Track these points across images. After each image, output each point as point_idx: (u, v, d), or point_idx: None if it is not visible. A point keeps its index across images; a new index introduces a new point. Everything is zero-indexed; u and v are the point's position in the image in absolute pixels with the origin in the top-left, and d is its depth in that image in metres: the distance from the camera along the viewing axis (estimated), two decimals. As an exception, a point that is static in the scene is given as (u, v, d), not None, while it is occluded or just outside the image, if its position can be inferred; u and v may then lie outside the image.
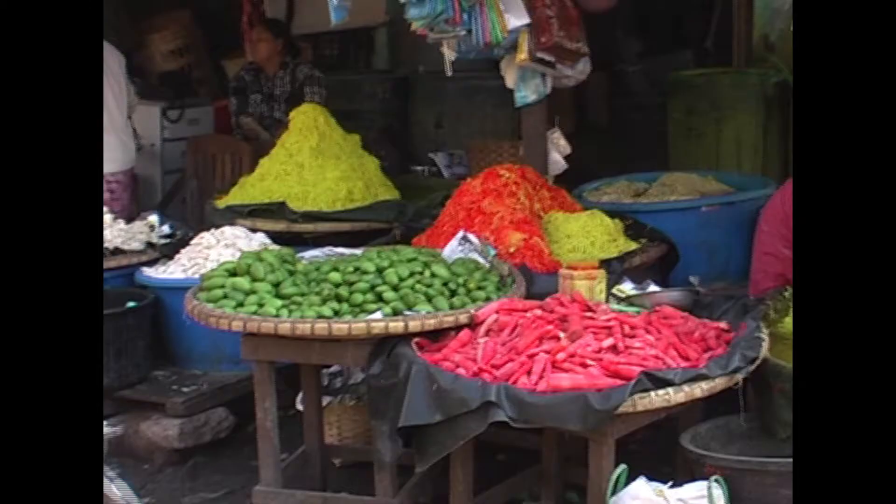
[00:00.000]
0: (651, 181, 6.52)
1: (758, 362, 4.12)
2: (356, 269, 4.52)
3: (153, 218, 6.55)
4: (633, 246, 5.46)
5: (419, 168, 8.27)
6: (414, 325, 4.25)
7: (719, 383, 3.99)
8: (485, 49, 5.74)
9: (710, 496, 3.80)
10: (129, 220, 6.62)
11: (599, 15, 6.69)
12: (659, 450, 4.88)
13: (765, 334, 4.31)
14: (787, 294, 4.86)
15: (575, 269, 4.64)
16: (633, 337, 4.16)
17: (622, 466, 3.87)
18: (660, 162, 7.45)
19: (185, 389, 5.73)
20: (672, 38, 9.74)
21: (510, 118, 6.99)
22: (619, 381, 3.85)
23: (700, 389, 3.93)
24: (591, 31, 6.26)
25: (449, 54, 5.74)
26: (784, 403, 4.16)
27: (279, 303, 4.40)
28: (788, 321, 4.76)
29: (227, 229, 6.03)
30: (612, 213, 5.69)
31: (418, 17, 5.48)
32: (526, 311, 4.34)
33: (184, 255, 5.97)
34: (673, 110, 7.64)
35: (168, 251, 6.18)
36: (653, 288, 4.99)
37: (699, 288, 5.38)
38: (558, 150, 6.19)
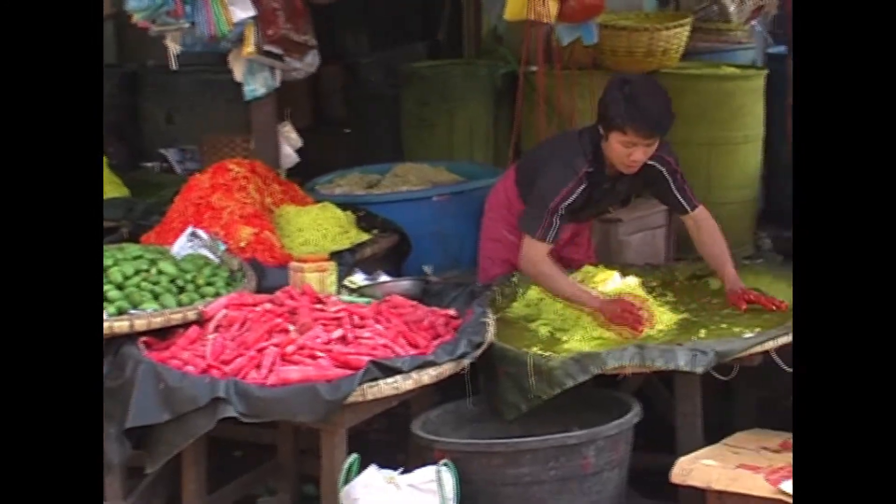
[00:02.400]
0: (384, 172, 6.60)
1: (484, 347, 4.26)
2: (79, 268, 4.44)
3: None
4: (365, 237, 5.54)
5: (150, 164, 8.11)
6: (140, 324, 4.22)
7: (447, 369, 4.12)
8: (211, 42, 5.70)
9: (439, 480, 3.91)
10: None
11: (328, 7, 6.74)
12: (397, 438, 4.97)
13: (491, 319, 4.46)
14: (514, 279, 5.03)
15: (305, 261, 4.69)
16: (362, 327, 4.24)
17: (354, 456, 3.94)
18: (395, 153, 7.54)
19: None
20: (404, 30, 9.85)
21: (243, 112, 6.95)
22: (348, 372, 3.93)
23: (428, 376, 4.06)
24: (322, 23, 6.31)
25: (173, 48, 5.69)
26: (510, 385, 4.31)
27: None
28: (516, 306, 4.93)
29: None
30: (344, 206, 5.75)
31: (138, 8, 5.42)
32: (256, 305, 4.37)
33: None
34: (406, 102, 7.72)
35: None
36: (384, 278, 5.09)
37: (431, 277, 5.52)
38: (290, 144, 6.21)
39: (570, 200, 4.73)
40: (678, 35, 6.81)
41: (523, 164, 5.28)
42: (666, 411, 4.61)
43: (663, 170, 4.88)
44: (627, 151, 4.64)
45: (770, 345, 4.33)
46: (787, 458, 4.01)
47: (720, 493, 3.93)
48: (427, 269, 5.73)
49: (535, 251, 4.72)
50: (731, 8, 7.81)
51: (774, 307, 4.73)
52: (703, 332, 4.56)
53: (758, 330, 4.49)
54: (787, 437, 4.30)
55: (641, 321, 4.53)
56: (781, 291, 4.82)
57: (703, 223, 5.00)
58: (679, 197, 4.98)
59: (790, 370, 4.35)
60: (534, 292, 4.95)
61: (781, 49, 8.08)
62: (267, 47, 5.77)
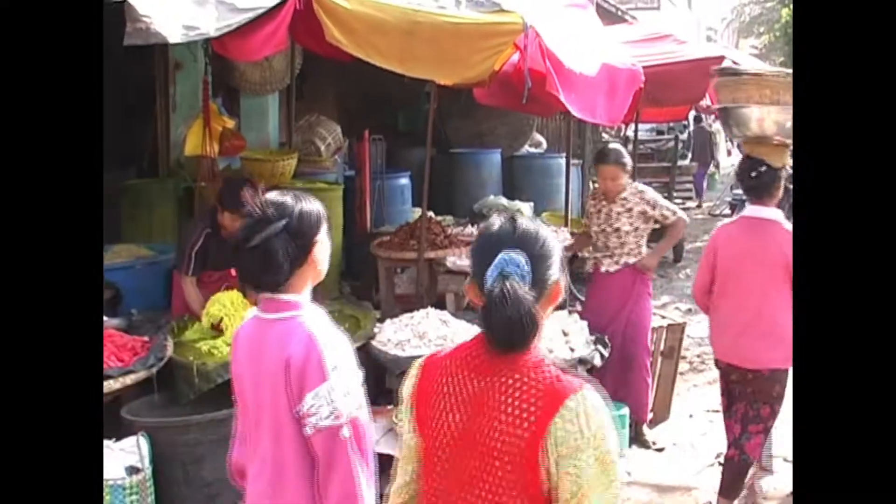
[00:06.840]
0: (106, 250, 6.37)
1: (165, 359, 4.28)
2: None
3: None
4: (91, 293, 5.36)
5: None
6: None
7: (142, 375, 4.17)
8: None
9: (138, 445, 3.90)
10: None
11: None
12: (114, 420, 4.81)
13: (170, 342, 4.47)
14: (186, 317, 5.01)
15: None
16: (86, 351, 4.15)
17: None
18: (115, 238, 7.31)
19: None
20: (120, 159, 9.54)
21: None
22: (76, 381, 3.84)
23: (130, 379, 4.09)
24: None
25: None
26: (182, 383, 4.33)
27: None
28: (188, 332, 4.87)
29: None
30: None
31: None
32: None
33: None
34: (123, 206, 7.53)
35: None
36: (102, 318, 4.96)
37: (136, 316, 5.42)
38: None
39: (196, 248, 4.90)
40: (290, 164, 7.05)
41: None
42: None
43: None
44: (232, 224, 4.77)
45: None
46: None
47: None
48: (133, 311, 5.61)
49: (185, 283, 4.93)
50: (322, 148, 8.17)
51: None
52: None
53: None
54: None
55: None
56: (352, 318, 5.17)
57: None
58: None
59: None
60: (198, 325, 4.97)
61: (352, 173, 8.51)
62: None
